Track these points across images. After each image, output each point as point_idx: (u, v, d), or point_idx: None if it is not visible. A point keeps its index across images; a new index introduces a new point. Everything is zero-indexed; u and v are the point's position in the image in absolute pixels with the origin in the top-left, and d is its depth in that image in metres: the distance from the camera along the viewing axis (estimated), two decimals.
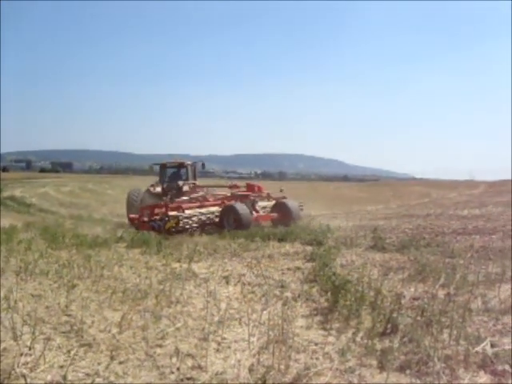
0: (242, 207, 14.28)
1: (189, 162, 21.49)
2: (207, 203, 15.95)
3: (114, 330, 4.01)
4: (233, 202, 15.06)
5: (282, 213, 15.36)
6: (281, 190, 17.22)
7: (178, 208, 14.39)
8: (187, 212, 14.06)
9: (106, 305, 4.82)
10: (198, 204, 15.94)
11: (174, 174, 21.27)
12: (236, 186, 17.77)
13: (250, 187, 16.65)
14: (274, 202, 16.41)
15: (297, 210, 15.51)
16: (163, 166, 21.45)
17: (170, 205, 14.64)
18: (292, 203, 15.76)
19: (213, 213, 14.71)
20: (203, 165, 22.28)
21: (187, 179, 20.74)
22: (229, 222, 13.85)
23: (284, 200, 16.07)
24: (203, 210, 14.82)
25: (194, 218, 14.10)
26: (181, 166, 21.34)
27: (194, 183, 20.63)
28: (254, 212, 15.20)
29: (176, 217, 13.48)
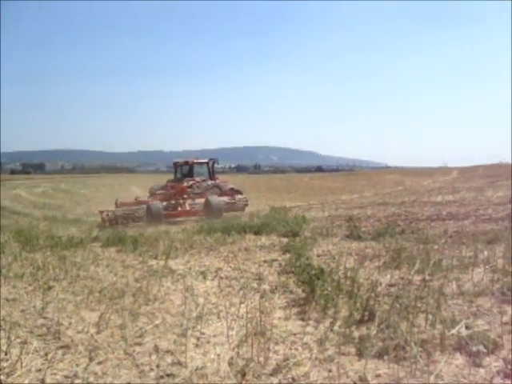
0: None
1: (202, 160, 24.28)
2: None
3: (92, 331, 3.98)
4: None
5: (207, 209, 18.10)
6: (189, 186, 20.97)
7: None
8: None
9: (82, 305, 4.78)
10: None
11: (188, 171, 23.91)
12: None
13: (178, 189, 19.90)
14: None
15: (219, 206, 17.99)
16: (175, 165, 24.70)
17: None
18: (215, 201, 18.34)
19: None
20: (216, 162, 24.54)
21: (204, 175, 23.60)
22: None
23: (209, 198, 18.75)
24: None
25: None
26: (186, 163, 24.04)
27: (195, 179, 22.87)
28: (179, 207, 18.89)
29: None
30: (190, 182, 22.21)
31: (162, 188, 22.97)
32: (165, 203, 19.03)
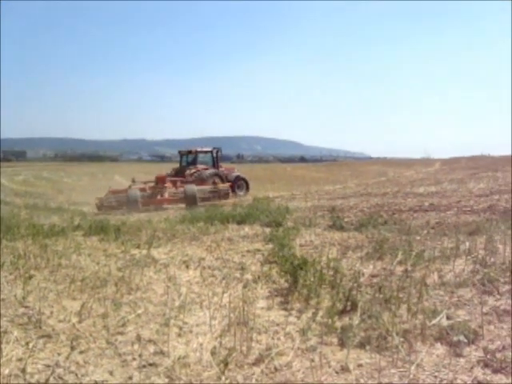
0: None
1: (206, 149, 25.15)
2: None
3: (74, 320, 3.95)
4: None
5: (185, 197, 18.90)
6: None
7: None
8: None
9: (64, 294, 4.74)
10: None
11: (192, 159, 24.74)
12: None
13: (159, 178, 20.97)
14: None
15: (193, 195, 18.65)
16: (180, 153, 25.61)
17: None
18: (190, 189, 18.99)
19: None
20: (220, 151, 25.34)
21: (207, 164, 24.44)
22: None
23: (186, 186, 19.58)
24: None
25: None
26: (190, 152, 24.91)
27: (198, 167, 23.72)
28: (158, 195, 19.65)
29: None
30: (193, 170, 23.05)
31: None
32: (149, 191, 19.61)
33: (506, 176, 19.80)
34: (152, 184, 20.85)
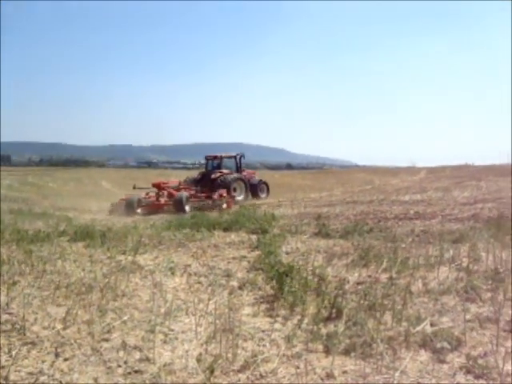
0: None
1: (230, 155, 26.44)
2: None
3: (59, 327, 3.93)
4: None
5: (173, 203, 19.24)
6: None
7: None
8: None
9: (49, 301, 4.71)
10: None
11: (218, 164, 25.70)
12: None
13: (156, 184, 21.06)
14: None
15: (181, 201, 18.83)
16: (206, 158, 26.64)
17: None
18: (178, 196, 19.30)
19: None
20: (243, 156, 26.52)
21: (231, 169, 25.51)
22: None
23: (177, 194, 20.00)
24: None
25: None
26: (216, 157, 26.00)
27: (223, 171, 24.65)
28: (156, 201, 20.13)
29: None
30: (218, 174, 24.02)
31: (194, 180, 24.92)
32: (146, 197, 20.64)
33: (489, 185, 20.01)
34: (152, 190, 21.29)
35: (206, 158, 26.84)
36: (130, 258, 6.91)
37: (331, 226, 9.39)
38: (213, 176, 23.94)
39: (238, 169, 25.97)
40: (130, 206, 18.95)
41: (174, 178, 26.76)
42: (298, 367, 3.06)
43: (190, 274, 5.90)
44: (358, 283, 5.07)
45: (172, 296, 4.82)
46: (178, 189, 21.27)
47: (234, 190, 23.93)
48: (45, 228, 10.74)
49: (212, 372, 3.00)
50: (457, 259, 5.73)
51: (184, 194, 19.70)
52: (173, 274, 5.98)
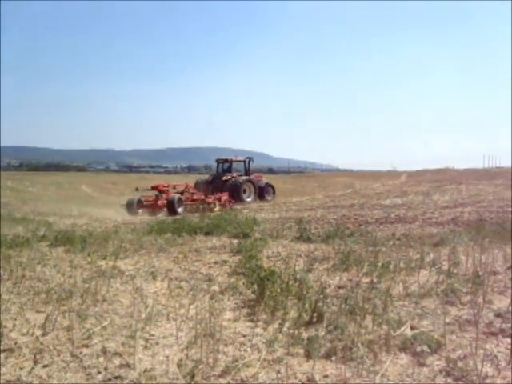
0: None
1: (240, 159, 28.08)
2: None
3: (38, 333, 3.89)
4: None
5: (166, 205, 20.11)
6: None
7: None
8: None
9: (28, 307, 4.67)
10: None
11: (228, 167, 27.58)
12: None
13: (154, 186, 21.66)
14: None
15: (173, 203, 19.72)
16: (217, 161, 28.41)
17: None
18: (170, 198, 20.08)
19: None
20: (251, 160, 27.92)
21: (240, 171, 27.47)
22: None
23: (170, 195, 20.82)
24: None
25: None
26: (226, 161, 27.80)
27: (233, 174, 26.47)
28: (154, 202, 20.87)
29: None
30: (229, 177, 25.81)
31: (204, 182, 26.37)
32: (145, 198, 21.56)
33: (469, 189, 20.25)
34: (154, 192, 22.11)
35: (217, 162, 28.49)
36: (110, 262, 6.86)
37: (312, 231, 9.42)
38: (224, 178, 25.63)
39: (247, 172, 27.48)
40: (130, 206, 20.30)
41: (159, 181, 26.82)
42: (279, 372, 3.05)
43: (171, 279, 5.87)
44: (339, 287, 5.09)
45: (153, 301, 4.79)
46: (181, 191, 22.02)
47: (244, 191, 25.47)
48: (24, 233, 10.62)
49: (193, 377, 2.99)
50: (437, 262, 5.78)
51: (176, 196, 20.41)
52: (154, 278, 5.95)
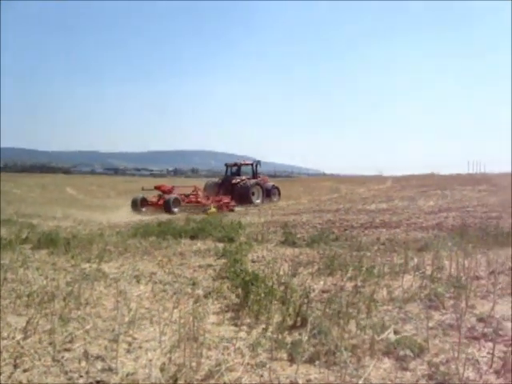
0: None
1: (248, 162, 29.59)
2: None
3: (18, 336, 3.84)
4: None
5: (163, 204, 21.61)
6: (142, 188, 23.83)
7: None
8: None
9: (9, 310, 4.61)
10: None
11: (237, 170, 29.16)
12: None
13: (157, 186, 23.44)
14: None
15: (169, 203, 21.22)
16: (226, 165, 29.85)
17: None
18: (167, 198, 21.55)
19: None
20: (259, 164, 29.45)
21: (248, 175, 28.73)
22: None
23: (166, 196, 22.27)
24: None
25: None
26: (235, 164, 29.31)
27: (242, 177, 27.87)
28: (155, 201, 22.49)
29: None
30: (238, 180, 27.18)
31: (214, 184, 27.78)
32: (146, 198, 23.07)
33: (454, 194, 20.41)
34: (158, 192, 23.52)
35: (226, 165, 29.90)
36: (94, 265, 6.82)
37: (298, 235, 9.46)
38: (233, 181, 27.03)
39: (255, 175, 28.76)
40: (134, 204, 22.15)
41: (147, 184, 27.14)
42: (262, 376, 3.05)
43: (155, 282, 5.85)
44: (324, 291, 5.10)
45: (136, 304, 4.75)
46: (188, 194, 23.58)
47: (253, 194, 26.63)
48: (7, 235, 10.51)
49: (175, 381, 2.97)
50: (421, 267, 5.82)
51: (172, 196, 22.01)
52: (138, 282, 5.92)
